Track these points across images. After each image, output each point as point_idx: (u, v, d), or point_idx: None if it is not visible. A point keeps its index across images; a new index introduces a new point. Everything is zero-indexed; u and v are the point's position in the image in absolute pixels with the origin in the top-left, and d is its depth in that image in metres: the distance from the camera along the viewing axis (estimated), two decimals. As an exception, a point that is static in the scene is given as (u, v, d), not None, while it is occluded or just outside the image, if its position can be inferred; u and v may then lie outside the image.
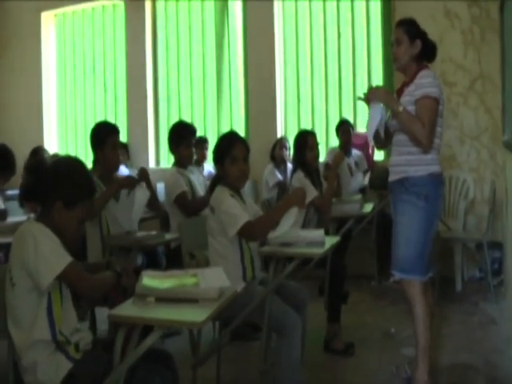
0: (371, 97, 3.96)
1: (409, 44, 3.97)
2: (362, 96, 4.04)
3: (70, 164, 2.92)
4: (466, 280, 6.76)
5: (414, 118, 3.82)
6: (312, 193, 5.02)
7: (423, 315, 3.87)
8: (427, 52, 4.02)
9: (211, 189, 3.90)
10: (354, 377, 4.35)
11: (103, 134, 4.64)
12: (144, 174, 4.84)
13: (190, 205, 5.18)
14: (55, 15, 10.05)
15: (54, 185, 2.74)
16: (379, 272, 6.66)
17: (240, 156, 3.77)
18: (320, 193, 5.14)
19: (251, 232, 3.59)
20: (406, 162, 3.93)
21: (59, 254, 2.65)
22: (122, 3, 9.22)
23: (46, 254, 2.60)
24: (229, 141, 3.85)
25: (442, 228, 6.14)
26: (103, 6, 9.55)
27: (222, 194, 3.72)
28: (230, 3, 8.62)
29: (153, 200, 4.96)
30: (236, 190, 3.81)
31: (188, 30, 8.95)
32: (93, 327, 4.34)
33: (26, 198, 2.85)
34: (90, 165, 4.65)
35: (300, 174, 5.17)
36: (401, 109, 3.84)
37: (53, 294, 2.67)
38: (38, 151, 7.05)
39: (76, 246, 2.89)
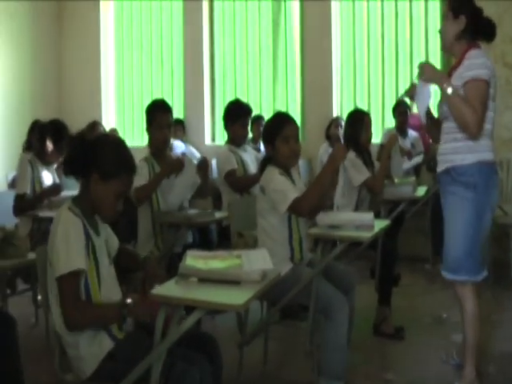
0: (421, 72, 3.67)
1: (452, 20, 3.66)
2: (404, 93, 3.91)
3: (108, 138, 2.95)
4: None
5: (465, 101, 3.49)
6: (365, 173, 4.98)
7: (473, 315, 3.70)
8: (479, 29, 3.65)
9: (261, 168, 3.89)
10: (402, 361, 4.30)
11: (151, 113, 4.68)
12: (203, 165, 4.84)
13: (240, 182, 5.18)
14: (114, 2, 10.12)
15: (90, 156, 2.73)
16: (433, 255, 6.53)
17: (291, 135, 3.74)
18: (372, 173, 5.08)
19: (300, 207, 3.55)
20: (452, 149, 3.65)
21: (74, 252, 2.60)
22: (181, 2, 9.24)
23: (59, 248, 2.59)
24: (279, 120, 3.82)
25: (498, 213, 5.99)
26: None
27: (272, 173, 3.71)
28: (287, 3, 8.57)
29: (203, 189, 4.89)
30: (286, 170, 3.79)
31: (245, 8, 8.89)
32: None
33: (67, 171, 2.84)
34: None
35: (352, 154, 5.08)
36: (450, 90, 3.51)
37: (89, 272, 2.67)
38: (94, 126, 7.13)
39: (113, 220, 2.86)
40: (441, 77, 3.62)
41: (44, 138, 5.28)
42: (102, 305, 2.71)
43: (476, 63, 3.54)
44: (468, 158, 3.59)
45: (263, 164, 3.90)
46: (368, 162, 5.17)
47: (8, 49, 9.35)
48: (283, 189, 3.60)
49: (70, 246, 2.60)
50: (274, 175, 3.68)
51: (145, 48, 9.84)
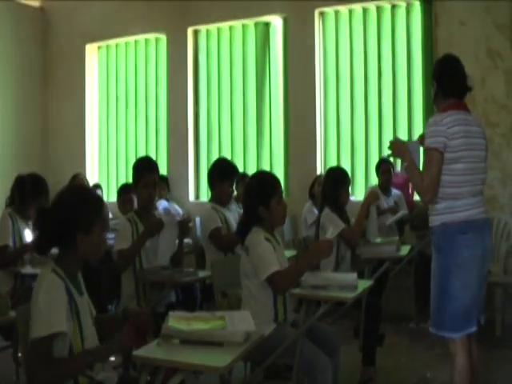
0: (390, 148, 4.03)
1: (433, 86, 3.99)
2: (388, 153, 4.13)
3: (69, 193, 2.92)
4: (506, 325, 6.59)
5: (415, 172, 3.82)
6: (340, 225, 4.99)
7: (461, 368, 3.66)
8: (448, 90, 3.88)
9: (243, 227, 3.87)
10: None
11: (138, 172, 4.70)
12: (184, 223, 4.88)
13: (224, 240, 5.17)
14: (99, 47, 10.20)
15: (68, 219, 2.73)
16: (417, 314, 6.52)
17: (281, 195, 3.82)
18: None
19: (278, 283, 3.56)
20: (429, 212, 3.87)
21: (55, 315, 2.58)
22: (165, 37, 9.33)
23: (42, 308, 2.57)
24: (274, 180, 3.85)
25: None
26: (146, 40, 9.68)
27: (259, 236, 3.70)
28: (271, 30, 8.66)
29: (177, 255, 4.85)
30: (271, 233, 3.80)
31: (229, 62, 8.99)
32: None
33: (45, 249, 2.84)
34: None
35: (327, 210, 5.13)
36: (405, 164, 3.87)
37: (72, 334, 2.65)
38: (74, 178, 7.15)
39: (100, 260, 2.87)
40: (404, 152, 3.92)
41: (22, 190, 5.25)
42: (65, 359, 2.66)
43: (427, 132, 3.78)
44: (434, 220, 3.81)
45: (244, 223, 3.89)
46: (344, 220, 5.18)
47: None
48: (266, 258, 3.60)
49: (53, 308, 2.58)
50: (260, 239, 3.67)
51: (130, 103, 9.89)
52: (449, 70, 3.94)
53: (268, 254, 3.62)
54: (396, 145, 4.02)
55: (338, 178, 5.27)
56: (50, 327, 2.54)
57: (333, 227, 4.00)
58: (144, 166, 4.74)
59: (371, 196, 5.33)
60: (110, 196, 9.53)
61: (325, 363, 3.49)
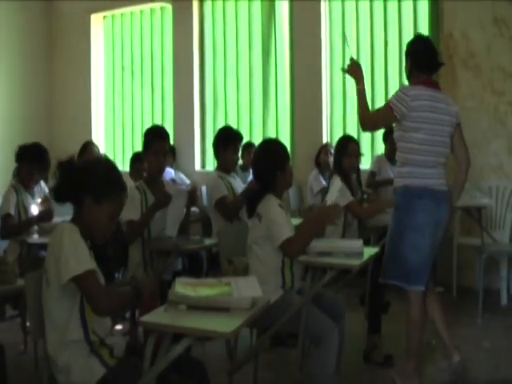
0: (349, 69, 4.38)
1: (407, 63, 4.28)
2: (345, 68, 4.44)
3: (98, 161, 2.98)
4: (512, 294, 6.62)
5: (365, 101, 4.23)
6: (347, 197, 4.99)
7: (414, 320, 4.14)
8: (422, 65, 4.17)
9: (255, 195, 3.88)
10: (391, 389, 4.29)
11: (148, 139, 4.71)
12: (193, 193, 4.95)
13: (230, 208, 5.18)
14: (104, 17, 10.19)
15: (81, 180, 2.76)
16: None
17: (290, 168, 3.84)
18: (361, 198, 5.12)
19: (291, 248, 3.58)
20: (394, 173, 4.35)
21: (81, 257, 2.63)
22: (170, 6, 9.28)
23: (68, 253, 2.60)
24: (286, 153, 3.88)
25: (487, 240, 6.03)
26: (151, 9, 9.64)
27: (272, 202, 3.72)
28: (276, 4, 8.60)
29: (183, 223, 4.89)
30: (280, 198, 3.82)
31: (235, 32, 8.96)
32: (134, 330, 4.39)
33: (59, 198, 2.87)
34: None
35: (337, 179, 5.10)
36: (360, 87, 4.25)
37: None
38: (87, 146, 7.11)
39: (106, 241, 2.87)
40: (360, 77, 4.31)
41: (23, 160, 5.27)
42: (118, 291, 2.82)
43: (395, 95, 4.10)
44: (397, 182, 4.18)
45: (259, 191, 3.88)
46: (354, 188, 5.18)
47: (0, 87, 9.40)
48: (281, 224, 3.62)
49: (80, 250, 2.64)
50: (273, 206, 3.70)
51: (135, 72, 9.90)
52: (420, 47, 4.21)
53: (282, 220, 3.65)
54: (354, 66, 4.38)
55: (339, 146, 5.31)
56: (82, 266, 2.59)
57: (339, 196, 3.99)
58: (155, 134, 4.74)
59: (386, 204, 5.24)
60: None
61: (331, 330, 3.50)
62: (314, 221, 3.73)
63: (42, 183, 5.54)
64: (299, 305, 3.56)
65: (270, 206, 3.70)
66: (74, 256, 2.60)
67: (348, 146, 5.25)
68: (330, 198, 3.74)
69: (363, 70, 4.36)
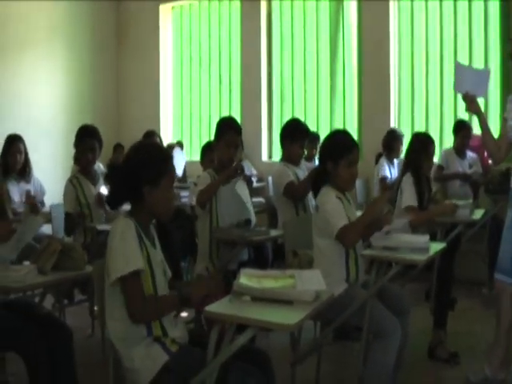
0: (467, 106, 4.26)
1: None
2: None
3: (136, 149, 2.94)
4: None
5: (489, 134, 4.16)
6: (413, 201, 4.93)
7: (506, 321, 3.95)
8: None
9: (315, 181, 3.90)
10: (456, 386, 4.23)
11: (221, 130, 4.74)
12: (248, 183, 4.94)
13: (300, 189, 5.09)
14: (173, 7, 10.29)
15: (135, 174, 2.78)
16: (490, 279, 6.37)
17: (354, 160, 3.76)
18: (428, 197, 5.05)
19: (346, 236, 3.57)
20: None
21: (130, 257, 2.65)
22: (239, 1, 9.32)
23: (117, 253, 2.65)
24: (349, 144, 3.80)
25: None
26: (219, 2, 9.69)
27: (329, 194, 3.71)
28: (345, 3, 8.53)
29: None
30: (342, 192, 3.79)
31: (303, 29, 8.93)
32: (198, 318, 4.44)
33: (114, 205, 2.93)
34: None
35: (410, 179, 5.02)
36: (481, 120, 4.19)
37: (145, 283, 2.72)
38: (149, 136, 7.20)
39: (169, 217, 2.90)
40: (479, 110, 4.24)
41: (76, 143, 5.31)
42: (161, 297, 2.79)
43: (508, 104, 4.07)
44: None
45: (315, 176, 3.93)
46: (425, 189, 5.09)
47: (69, 63, 9.63)
48: (335, 214, 3.61)
49: (128, 247, 2.66)
50: (330, 197, 3.69)
51: (203, 63, 9.97)
52: None
53: (337, 210, 3.63)
54: (469, 101, 4.20)
55: (420, 146, 5.11)
56: (129, 265, 2.62)
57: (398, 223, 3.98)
58: (228, 126, 4.77)
59: (447, 209, 5.16)
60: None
61: (394, 325, 3.46)
62: (366, 211, 3.74)
63: (100, 165, 5.60)
64: (363, 299, 3.53)
65: (327, 196, 3.71)
66: (123, 256, 2.64)
67: (429, 147, 5.09)
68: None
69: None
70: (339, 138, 3.90)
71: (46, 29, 9.27)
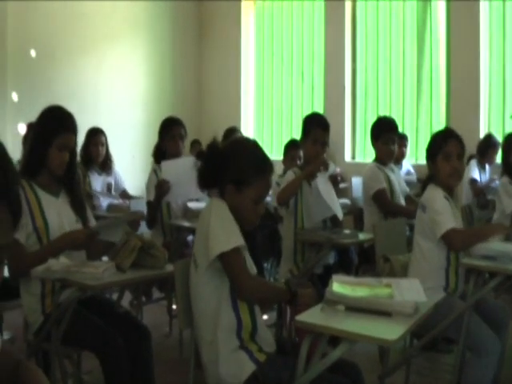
0: None
1: None
2: None
3: (239, 144, 2.84)
4: None
5: None
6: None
7: None
8: None
9: (423, 188, 3.74)
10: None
11: (308, 126, 4.56)
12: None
13: (390, 206, 4.99)
14: (255, 3, 10.14)
15: (221, 167, 2.66)
16: None
17: (454, 152, 3.56)
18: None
19: (454, 239, 3.39)
20: None
21: (231, 232, 2.54)
22: (322, 2, 9.11)
23: (216, 229, 2.52)
24: (443, 136, 3.66)
25: None
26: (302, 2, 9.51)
27: (435, 192, 3.55)
28: (433, 3, 8.21)
29: None
30: (449, 192, 3.60)
31: (388, 28, 8.64)
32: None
33: (203, 186, 2.82)
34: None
35: (506, 179, 4.78)
36: None
37: None
38: (231, 133, 7.07)
39: (253, 227, 2.72)
40: None
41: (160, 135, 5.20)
42: (270, 282, 2.70)
43: None
44: None
45: (425, 183, 3.74)
46: None
47: (150, 58, 9.60)
48: (444, 214, 3.43)
49: (229, 225, 2.56)
50: (437, 196, 3.53)
51: (285, 60, 9.80)
52: None
53: (445, 210, 3.46)
54: None
55: None
56: (230, 242, 2.51)
57: None
58: (316, 122, 4.59)
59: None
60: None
61: (494, 342, 3.25)
62: (486, 229, 3.61)
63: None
64: (460, 310, 3.30)
65: (434, 195, 3.53)
66: (223, 231, 2.53)
67: None
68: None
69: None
70: (433, 135, 3.79)
71: (129, 24, 9.26)
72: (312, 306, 2.49)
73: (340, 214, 4.48)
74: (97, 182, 6.02)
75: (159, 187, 4.83)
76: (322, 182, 4.44)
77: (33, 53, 7.94)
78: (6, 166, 1.35)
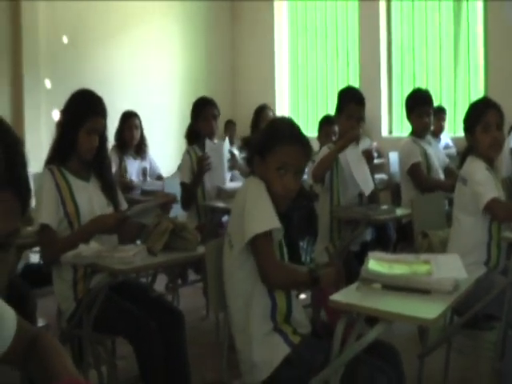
0: None
1: None
2: None
3: (270, 120, 2.88)
4: None
5: None
6: None
7: None
8: None
9: (461, 160, 3.63)
10: None
11: (342, 101, 4.47)
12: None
13: (424, 179, 4.86)
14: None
15: (254, 141, 2.68)
16: None
17: (493, 122, 3.45)
18: None
19: (496, 210, 3.29)
20: None
21: (266, 214, 2.46)
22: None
23: (252, 210, 2.45)
24: (481, 107, 3.54)
25: None
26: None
27: (477, 164, 3.45)
28: (470, 4, 8.01)
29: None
30: (489, 164, 3.48)
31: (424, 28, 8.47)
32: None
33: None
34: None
35: None
36: None
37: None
38: (262, 109, 6.98)
39: (286, 205, 2.61)
40: None
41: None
42: (295, 267, 2.70)
43: None
44: None
45: (464, 155, 3.64)
46: None
47: (184, 40, 9.56)
48: (486, 185, 3.33)
49: (263, 205, 2.48)
50: (479, 167, 3.42)
51: (319, 36, 9.66)
52: None
53: (487, 181, 3.35)
54: None
55: None
56: (264, 224, 2.44)
57: None
58: (350, 96, 4.49)
59: None
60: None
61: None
62: None
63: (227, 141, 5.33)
64: (502, 286, 3.19)
65: (475, 167, 3.43)
66: (258, 212, 2.46)
67: None
68: None
69: None
70: (471, 106, 3.66)
71: (162, 6, 9.17)
72: (339, 283, 2.43)
73: (367, 190, 4.38)
74: (132, 166, 6.00)
75: (200, 161, 4.77)
76: (351, 156, 4.35)
77: (65, 39, 7.92)
78: (14, 148, 1.23)
